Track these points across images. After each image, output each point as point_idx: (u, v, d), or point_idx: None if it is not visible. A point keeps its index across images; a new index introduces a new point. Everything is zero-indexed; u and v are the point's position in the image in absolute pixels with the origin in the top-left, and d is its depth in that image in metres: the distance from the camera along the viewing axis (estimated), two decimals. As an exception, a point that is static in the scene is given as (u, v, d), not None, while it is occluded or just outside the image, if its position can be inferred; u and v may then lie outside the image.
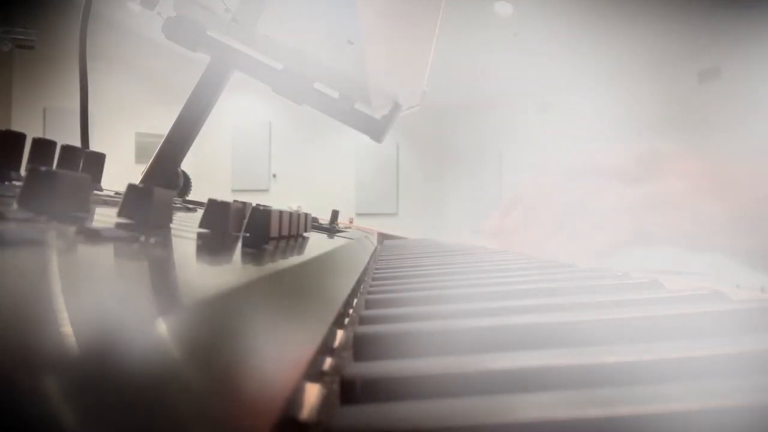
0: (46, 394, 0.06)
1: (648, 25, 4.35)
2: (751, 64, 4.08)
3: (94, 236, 0.17)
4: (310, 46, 0.56)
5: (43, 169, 0.18)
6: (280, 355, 0.13)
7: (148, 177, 0.57)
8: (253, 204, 0.34)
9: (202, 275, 0.18)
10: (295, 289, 0.20)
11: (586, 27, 4.60)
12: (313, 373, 0.15)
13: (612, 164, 0.46)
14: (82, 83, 0.65)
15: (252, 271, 0.20)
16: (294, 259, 0.26)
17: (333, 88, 0.58)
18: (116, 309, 0.10)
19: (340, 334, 0.21)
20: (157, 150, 0.58)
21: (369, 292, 0.29)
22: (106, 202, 0.35)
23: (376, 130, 0.59)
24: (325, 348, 0.17)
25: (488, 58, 5.54)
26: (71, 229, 0.17)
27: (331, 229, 0.75)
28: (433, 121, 6.76)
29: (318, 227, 0.72)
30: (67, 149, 0.39)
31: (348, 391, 0.12)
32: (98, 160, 0.43)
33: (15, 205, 0.18)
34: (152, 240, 0.19)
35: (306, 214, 0.46)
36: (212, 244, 0.25)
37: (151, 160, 0.58)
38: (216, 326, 0.12)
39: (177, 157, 0.58)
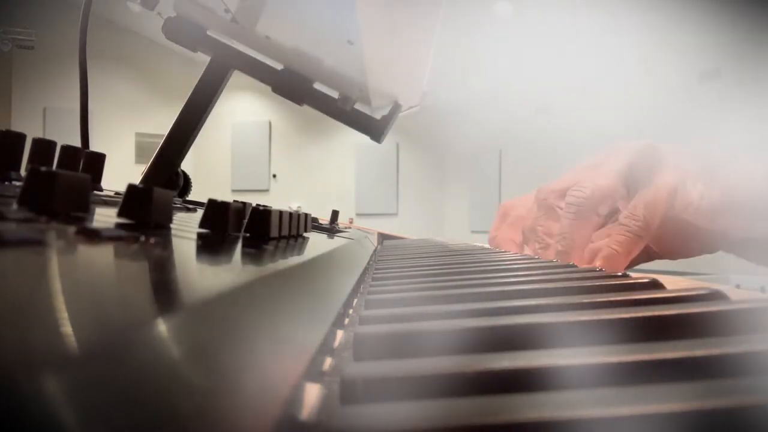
0: (45, 394, 0.06)
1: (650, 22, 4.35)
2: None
3: (94, 236, 0.17)
4: (310, 46, 0.56)
5: (43, 169, 0.18)
6: (280, 355, 0.13)
7: (148, 177, 0.57)
8: (253, 204, 0.34)
9: (202, 275, 0.18)
10: (295, 289, 0.20)
11: (586, 26, 4.60)
12: (313, 373, 0.15)
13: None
14: (82, 83, 0.65)
15: (252, 272, 0.20)
16: (294, 260, 0.26)
17: (333, 88, 0.58)
18: (116, 309, 0.10)
19: (340, 334, 0.21)
20: (157, 150, 0.58)
21: (369, 292, 0.29)
22: (106, 202, 0.35)
23: (376, 130, 0.59)
24: (325, 348, 0.17)
25: (488, 57, 5.54)
26: (71, 229, 0.17)
27: (331, 229, 0.75)
28: (433, 121, 6.75)
29: (318, 227, 0.72)
30: (67, 149, 0.39)
31: (348, 391, 0.12)
32: (98, 160, 0.43)
33: (15, 205, 0.18)
34: (152, 240, 0.19)
35: (306, 214, 0.46)
36: (212, 245, 0.25)
37: (151, 160, 0.58)
38: (216, 326, 0.12)
39: (177, 157, 0.58)
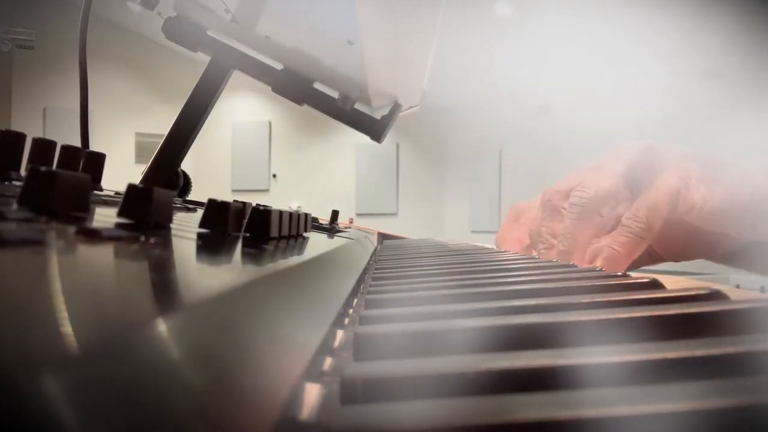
0: (45, 394, 0.06)
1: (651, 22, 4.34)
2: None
3: (94, 236, 0.17)
4: (310, 46, 0.56)
5: (43, 169, 0.18)
6: (280, 355, 0.13)
7: (148, 177, 0.57)
8: (253, 204, 0.34)
9: (202, 275, 0.18)
10: (296, 289, 0.20)
11: (587, 26, 4.60)
12: (313, 373, 0.15)
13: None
14: (82, 83, 0.65)
15: (252, 271, 0.20)
16: (294, 259, 0.26)
17: (333, 88, 0.58)
18: (116, 309, 0.10)
19: (340, 334, 0.21)
20: (157, 150, 0.58)
21: (369, 292, 0.29)
22: (106, 202, 0.35)
23: (376, 130, 0.59)
24: (325, 348, 0.17)
25: (488, 57, 5.54)
26: (71, 229, 0.17)
27: (331, 229, 0.75)
28: (433, 121, 6.75)
29: (318, 227, 0.72)
30: (67, 149, 0.39)
31: (348, 391, 0.12)
32: (98, 160, 0.43)
33: (15, 205, 0.18)
34: (152, 240, 0.19)
35: (306, 214, 0.46)
36: (212, 245, 0.25)
37: (151, 160, 0.58)
38: (216, 326, 0.12)
39: (177, 157, 0.58)
